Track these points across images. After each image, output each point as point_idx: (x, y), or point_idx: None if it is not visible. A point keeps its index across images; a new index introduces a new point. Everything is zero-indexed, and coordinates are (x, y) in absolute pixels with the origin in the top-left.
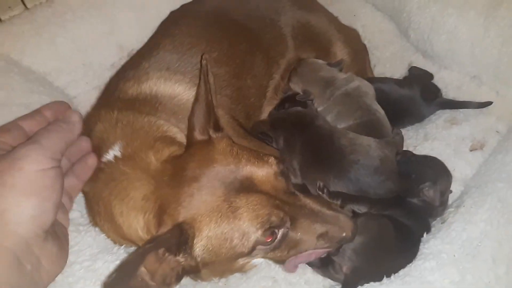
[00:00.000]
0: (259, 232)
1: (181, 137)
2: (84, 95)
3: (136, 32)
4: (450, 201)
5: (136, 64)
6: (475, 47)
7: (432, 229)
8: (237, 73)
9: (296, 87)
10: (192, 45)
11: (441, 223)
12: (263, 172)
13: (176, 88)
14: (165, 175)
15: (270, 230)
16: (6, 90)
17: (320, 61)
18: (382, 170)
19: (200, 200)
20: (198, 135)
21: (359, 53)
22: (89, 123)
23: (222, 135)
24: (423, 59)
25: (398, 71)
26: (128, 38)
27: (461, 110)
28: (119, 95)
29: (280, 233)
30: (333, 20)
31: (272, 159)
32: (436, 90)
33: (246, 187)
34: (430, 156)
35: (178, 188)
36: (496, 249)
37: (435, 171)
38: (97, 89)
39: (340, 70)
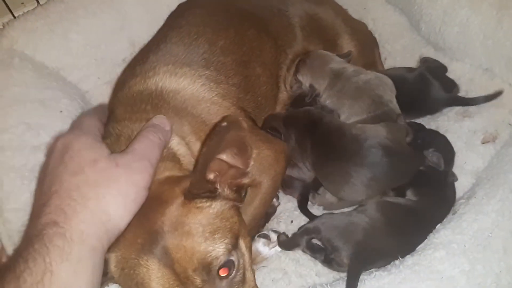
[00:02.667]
0: None
1: (182, 151)
2: (96, 90)
3: (147, 27)
4: (461, 193)
5: (143, 59)
6: (488, 39)
7: (443, 220)
8: (245, 61)
9: (305, 79)
10: (198, 35)
11: (452, 214)
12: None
13: (181, 82)
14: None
15: None
16: (21, 87)
17: (328, 53)
18: (396, 150)
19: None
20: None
21: (367, 46)
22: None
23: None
24: (434, 52)
25: (409, 64)
26: (139, 33)
27: None
28: (126, 93)
29: None
30: (341, 12)
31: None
32: (452, 85)
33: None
34: (436, 131)
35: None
36: (507, 239)
37: (440, 141)
38: (108, 84)
39: (349, 62)
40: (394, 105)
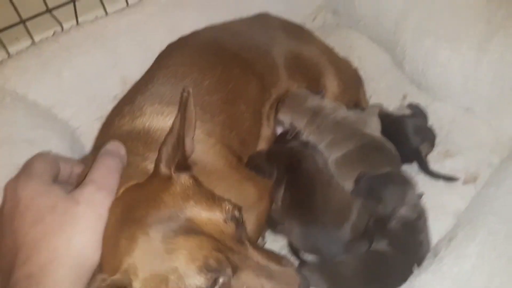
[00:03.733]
0: (196, 275)
1: None
2: (87, 126)
3: (139, 65)
4: (443, 234)
5: (131, 99)
6: (468, 80)
7: (424, 263)
8: (230, 99)
9: (285, 118)
10: (185, 75)
11: (434, 257)
12: (210, 215)
13: (168, 121)
14: (118, 207)
15: (209, 274)
16: (11, 126)
17: (305, 91)
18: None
19: (137, 244)
20: (163, 168)
21: (350, 85)
22: (85, 170)
23: (183, 175)
24: (418, 90)
25: (393, 102)
26: (131, 71)
27: (455, 141)
28: (114, 133)
29: (220, 280)
30: (326, 51)
31: (226, 203)
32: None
33: (187, 229)
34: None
35: (120, 230)
36: (487, 282)
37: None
38: (99, 120)
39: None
40: (378, 136)
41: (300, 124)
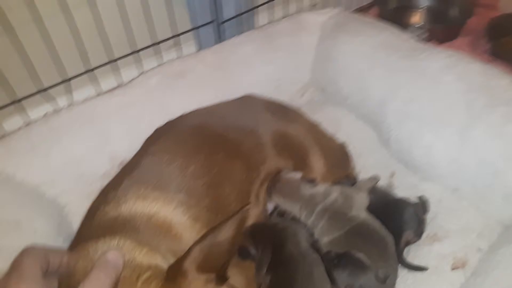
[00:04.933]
0: None
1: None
2: (75, 204)
3: (128, 143)
4: None
5: (116, 185)
6: (452, 164)
7: None
8: (214, 182)
9: (277, 202)
10: (170, 162)
11: None
12: None
13: (153, 207)
14: None
15: None
16: None
17: (297, 177)
18: None
19: None
20: (192, 270)
21: (337, 163)
22: (69, 261)
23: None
24: (405, 169)
25: (382, 179)
26: (120, 149)
27: (443, 225)
28: (99, 222)
29: None
30: (312, 130)
31: None
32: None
33: None
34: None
35: None
36: None
37: None
38: (88, 197)
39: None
40: (365, 217)
41: (293, 210)
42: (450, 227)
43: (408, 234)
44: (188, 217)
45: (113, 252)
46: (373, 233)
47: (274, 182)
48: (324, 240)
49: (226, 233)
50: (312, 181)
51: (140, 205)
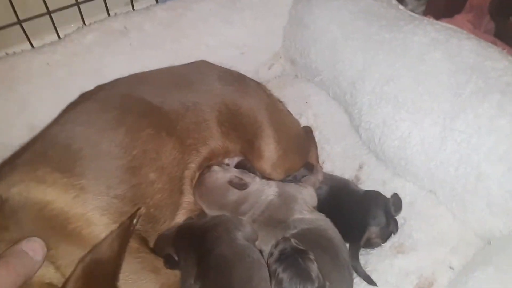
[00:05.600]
0: None
1: (53, 279)
2: None
3: (53, 111)
4: None
5: (15, 158)
6: (430, 160)
7: None
8: (133, 167)
9: (204, 206)
10: (77, 136)
11: None
12: None
13: (49, 194)
14: None
15: None
16: None
17: (226, 177)
18: None
19: None
20: None
21: (292, 149)
22: None
23: None
24: (376, 161)
25: (349, 172)
26: (42, 117)
27: (412, 234)
28: None
29: None
30: (271, 108)
31: None
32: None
33: None
34: None
35: None
36: None
37: None
38: None
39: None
40: (310, 220)
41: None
42: (420, 237)
43: (372, 231)
44: (92, 208)
45: (33, 240)
46: (321, 239)
47: (198, 184)
48: (264, 250)
49: (109, 250)
50: (243, 185)
51: (33, 190)
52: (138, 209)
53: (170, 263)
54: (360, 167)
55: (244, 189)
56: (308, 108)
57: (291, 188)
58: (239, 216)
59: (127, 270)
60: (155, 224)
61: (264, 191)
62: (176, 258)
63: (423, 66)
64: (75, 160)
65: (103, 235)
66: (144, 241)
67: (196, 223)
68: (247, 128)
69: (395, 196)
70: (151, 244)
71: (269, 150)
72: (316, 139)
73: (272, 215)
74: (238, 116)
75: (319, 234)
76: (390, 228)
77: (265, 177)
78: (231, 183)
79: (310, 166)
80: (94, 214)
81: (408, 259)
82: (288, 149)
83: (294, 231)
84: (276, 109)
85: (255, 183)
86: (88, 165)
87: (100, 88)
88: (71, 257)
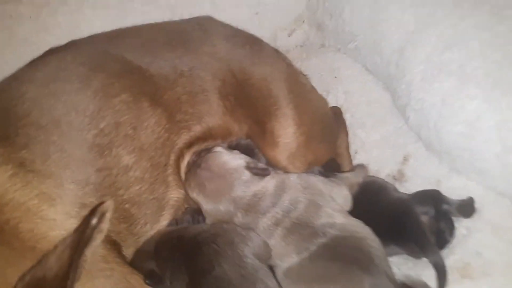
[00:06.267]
0: None
1: None
2: None
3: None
4: None
5: None
6: (509, 153)
7: None
8: (100, 144)
9: (202, 203)
10: (28, 96)
11: None
12: None
13: None
14: None
15: None
16: None
17: (235, 162)
18: None
19: None
20: None
21: (318, 136)
22: None
23: None
24: (427, 153)
25: (388, 165)
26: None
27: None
28: None
29: None
30: (290, 80)
31: None
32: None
33: None
34: None
35: None
36: None
37: None
38: None
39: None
40: (343, 225)
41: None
42: (492, 257)
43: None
44: (37, 194)
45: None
46: (358, 252)
47: (195, 170)
48: (279, 266)
49: (56, 264)
50: (264, 169)
51: None
52: (101, 203)
53: (152, 280)
54: (405, 159)
55: (267, 174)
56: (338, 84)
57: (317, 181)
58: (257, 216)
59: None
60: (132, 225)
61: (286, 184)
62: (155, 277)
63: (501, 26)
64: (17, 126)
65: (54, 235)
66: (114, 246)
67: (186, 231)
68: (258, 105)
69: (468, 201)
70: (127, 253)
71: (287, 136)
72: (347, 123)
73: (298, 217)
74: (247, 88)
75: (355, 246)
76: (440, 224)
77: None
78: (248, 167)
79: (334, 162)
80: (39, 203)
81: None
82: (312, 136)
83: (323, 239)
84: (297, 83)
85: (272, 178)
86: (36, 134)
87: (72, 43)
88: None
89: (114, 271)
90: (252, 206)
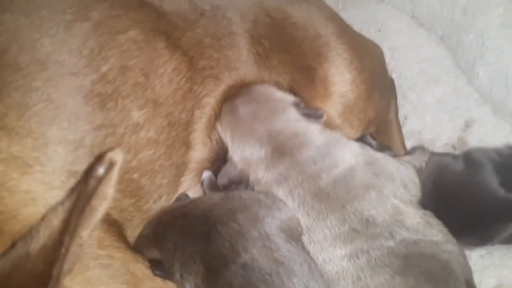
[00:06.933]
0: None
1: None
2: None
3: None
4: None
5: None
6: None
7: None
8: (102, 93)
9: (230, 139)
10: (4, 28)
11: None
12: None
13: None
14: None
15: None
16: None
17: (283, 95)
18: None
19: None
20: None
21: (378, 87)
22: None
23: None
24: (495, 118)
25: (446, 133)
26: None
27: None
28: None
29: None
30: (335, 20)
31: None
32: None
33: None
34: None
35: None
36: None
37: None
38: None
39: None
40: (414, 226)
41: (250, 161)
42: None
43: None
44: (2, 159)
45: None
46: (429, 262)
47: (234, 98)
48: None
49: (42, 237)
50: (318, 115)
51: None
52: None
53: (160, 270)
54: (467, 125)
55: (319, 117)
56: (382, 39)
57: (385, 159)
58: (298, 165)
59: (80, 281)
60: (141, 200)
61: (341, 145)
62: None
63: None
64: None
65: (27, 213)
66: (114, 227)
67: (193, 205)
68: (304, 47)
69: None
70: (134, 235)
71: (344, 84)
72: (395, 84)
73: (349, 198)
74: (287, 29)
75: (431, 254)
76: None
77: None
78: (296, 104)
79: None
80: (6, 170)
81: None
82: (374, 85)
83: (391, 242)
84: (346, 25)
85: (323, 130)
86: (12, 79)
87: None
88: None
89: (112, 259)
90: (288, 148)
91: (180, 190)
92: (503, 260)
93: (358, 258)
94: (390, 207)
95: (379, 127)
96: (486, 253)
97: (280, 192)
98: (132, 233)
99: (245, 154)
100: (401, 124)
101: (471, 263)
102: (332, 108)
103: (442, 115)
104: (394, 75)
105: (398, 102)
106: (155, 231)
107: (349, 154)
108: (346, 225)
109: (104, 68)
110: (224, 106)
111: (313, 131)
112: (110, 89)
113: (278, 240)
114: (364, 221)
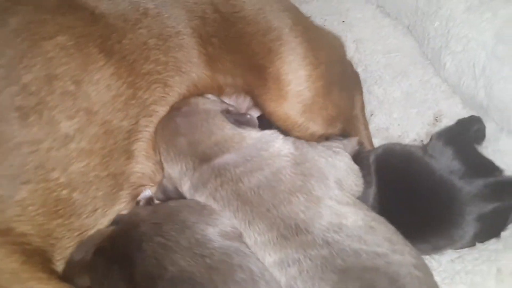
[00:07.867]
0: None
1: None
2: None
3: None
4: None
5: None
6: None
7: None
8: (24, 108)
9: (162, 157)
10: None
11: None
12: None
13: None
14: None
15: None
16: None
17: (211, 106)
18: None
19: None
20: None
21: (337, 83)
22: None
23: None
24: (464, 110)
25: (414, 128)
26: None
27: None
28: None
29: None
30: (290, 11)
31: None
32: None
33: None
34: None
35: None
36: None
37: None
38: None
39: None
40: (353, 231)
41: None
42: None
43: None
44: None
45: None
46: (371, 273)
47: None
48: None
49: None
50: (244, 115)
51: None
52: None
53: None
54: (437, 119)
55: (248, 123)
56: (346, 30)
57: (318, 156)
58: (217, 169)
59: None
60: (71, 217)
61: (269, 146)
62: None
63: None
64: None
65: None
66: (37, 257)
67: (120, 228)
68: (255, 44)
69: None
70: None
71: (299, 81)
72: (360, 78)
73: (275, 197)
74: (237, 24)
75: (374, 265)
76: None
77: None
78: (226, 112)
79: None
80: None
81: None
82: (332, 80)
83: (325, 252)
84: (303, 16)
85: (258, 131)
86: None
87: None
88: None
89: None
90: (206, 156)
91: (119, 205)
92: (475, 265)
93: (289, 266)
94: (323, 211)
95: (345, 124)
96: (456, 257)
97: (203, 197)
98: (63, 255)
99: (174, 168)
100: (368, 120)
101: (441, 269)
102: (291, 108)
103: (409, 110)
104: (359, 69)
105: (364, 96)
106: (84, 258)
107: (277, 155)
108: (274, 231)
109: (26, 79)
110: (158, 121)
111: (241, 136)
112: (34, 100)
113: (211, 244)
114: (293, 227)
